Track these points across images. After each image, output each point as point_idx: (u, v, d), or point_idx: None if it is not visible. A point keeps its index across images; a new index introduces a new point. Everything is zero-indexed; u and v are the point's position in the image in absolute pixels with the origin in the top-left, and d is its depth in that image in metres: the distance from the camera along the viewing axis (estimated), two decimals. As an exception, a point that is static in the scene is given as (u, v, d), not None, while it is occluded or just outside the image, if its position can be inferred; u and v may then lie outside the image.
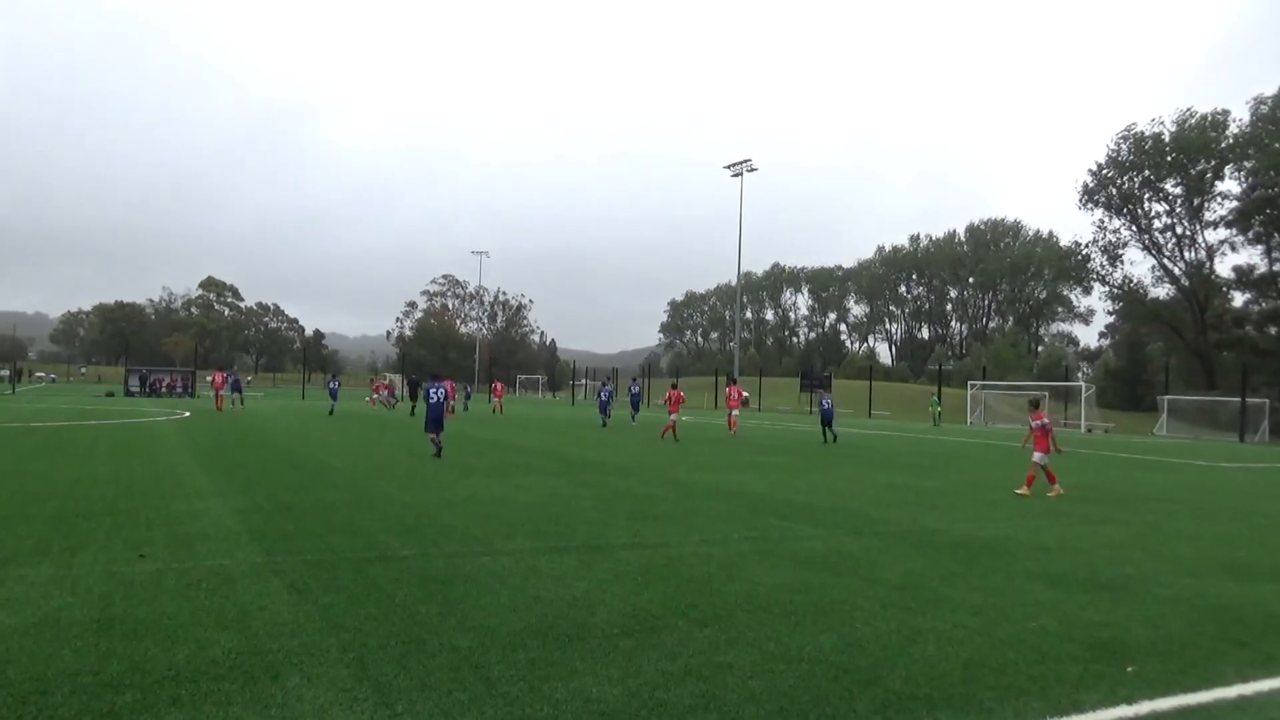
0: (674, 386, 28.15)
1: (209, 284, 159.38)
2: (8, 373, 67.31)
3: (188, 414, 34.40)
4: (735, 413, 31.30)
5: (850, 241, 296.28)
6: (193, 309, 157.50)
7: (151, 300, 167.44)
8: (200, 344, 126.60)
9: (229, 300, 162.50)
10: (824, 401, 29.47)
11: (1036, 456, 14.58)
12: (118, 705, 4.19)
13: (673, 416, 26.68)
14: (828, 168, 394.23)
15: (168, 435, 22.63)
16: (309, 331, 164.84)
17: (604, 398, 34.44)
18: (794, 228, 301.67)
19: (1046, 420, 14.89)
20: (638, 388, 39.72)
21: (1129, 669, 5.23)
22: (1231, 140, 72.27)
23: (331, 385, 41.83)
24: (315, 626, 5.58)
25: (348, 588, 6.63)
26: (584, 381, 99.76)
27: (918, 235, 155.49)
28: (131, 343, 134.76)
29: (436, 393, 18.68)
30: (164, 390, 57.68)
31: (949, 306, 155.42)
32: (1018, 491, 14.34)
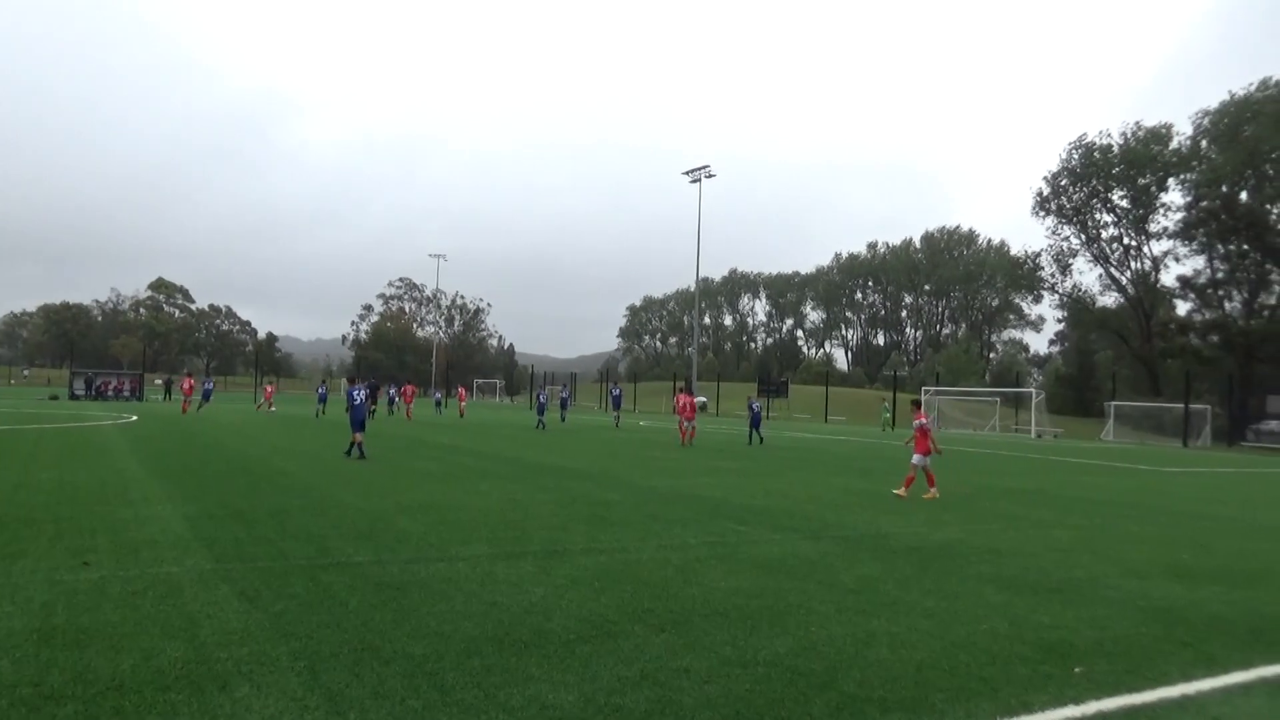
0: (681, 392, 29.95)
1: (158, 285, 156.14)
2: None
3: (135, 418, 33.66)
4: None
5: (808, 248, 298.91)
6: (141, 310, 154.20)
7: (98, 301, 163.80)
8: (149, 346, 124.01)
9: (179, 302, 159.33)
10: (753, 405, 31.00)
11: (915, 459, 14.77)
12: (59, 717, 4.08)
13: (689, 422, 27.88)
14: (786, 174, 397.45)
15: (114, 440, 22.11)
16: (262, 334, 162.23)
17: (543, 400, 37.53)
18: (752, 233, 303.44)
19: (925, 421, 15.14)
20: (619, 390, 42.78)
21: (1076, 670, 5.34)
22: (1175, 153, 74.21)
23: (320, 390, 43.30)
24: (265, 634, 5.48)
25: (299, 595, 6.53)
26: (545, 387, 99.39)
27: (875, 243, 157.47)
28: (77, 345, 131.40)
29: (359, 394, 19.36)
30: (111, 393, 56.36)
31: (904, 313, 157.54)
32: (895, 492, 14.61)
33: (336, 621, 5.82)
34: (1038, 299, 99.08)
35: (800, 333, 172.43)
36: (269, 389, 49.05)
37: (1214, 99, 69.93)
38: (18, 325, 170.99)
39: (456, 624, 5.86)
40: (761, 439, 29.45)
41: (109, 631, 5.45)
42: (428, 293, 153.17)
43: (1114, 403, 53.98)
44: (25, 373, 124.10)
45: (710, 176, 73.96)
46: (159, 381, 70.61)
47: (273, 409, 44.80)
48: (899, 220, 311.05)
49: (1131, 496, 16.78)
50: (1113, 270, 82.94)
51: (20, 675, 4.61)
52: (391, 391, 48.42)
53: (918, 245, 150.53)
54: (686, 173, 75.25)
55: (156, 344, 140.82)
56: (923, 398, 59.69)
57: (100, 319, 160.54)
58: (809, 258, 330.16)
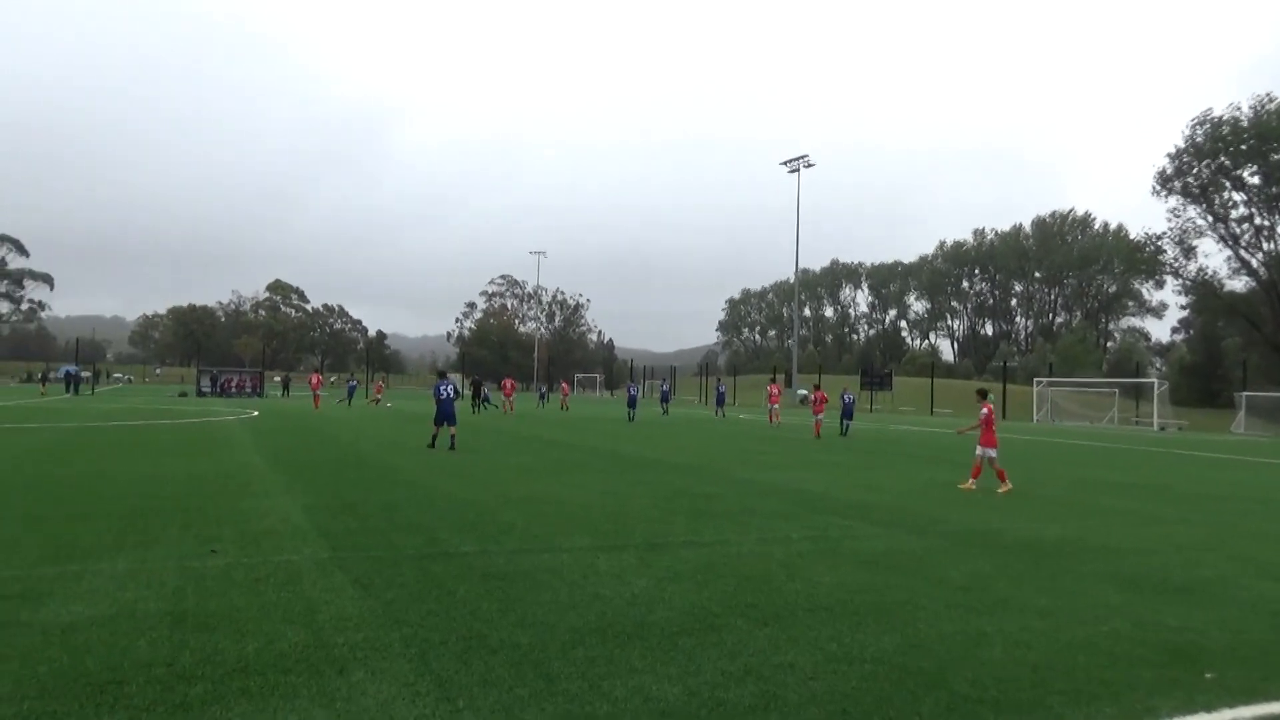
0: (817, 388, 31.29)
1: (275, 287, 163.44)
2: (89, 374, 69.83)
3: (256, 413, 35.32)
4: (776, 407, 37.01)
5: (911, 238, 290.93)
6: (260, 311, 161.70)
7: (221, 303, 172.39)
8: (268, 345, 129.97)
9: (295, 302, 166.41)
10: (845, 396, 31.39)
11: (991, 452, 14.27)
12: (190, 696, 4.31)
13: (818, 416, 29.51)
14: (888, 162, 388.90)
15: (237, 434, 23.25)
16: (371, 332, 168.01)
17: (632, 393, 39.85)
18: (853, 224, 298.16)
19: (990, 411, 14.63)
20: (724, 387, 44.45)
21: (1208, 675, 5.05)
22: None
23: (482, 389, 45.72)
24: (378, 621, 5.67)
25: (410, 584, 6.73)
26: (633, 381, 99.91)
27: (981, 229, 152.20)
28: (203, 344, 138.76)
29: (446, 389, 19.81)
30: (234, 390, 59.27)
31: (1014, 302, 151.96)
32: (999, 491, 13.86)
33: (445, 610, 5.98)
34: (1159, 284, 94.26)
35: (904, 323, 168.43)
36: (379, 385, 51.48)
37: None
38: (150, 327, 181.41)
39: (561, 614, 5.94)
40: (847, 430, 29.95)
41: (235, 616, 5.73)
42: (528, 289, 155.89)
43: (1245, 393, 50.80)
44: (158, 371, 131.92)
45: (809, 166, 73.02)
46: (278, 379, 73.91)
47: (389, 405, 46.75)
48: (1007, 207, 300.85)
49: (1264, 493, 15.78)
50: (1243, 252, 78.15)
51: (155, 655, 4.90)
52: (485, 388, 49.86)
53: (1028, 231, 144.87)
54: (784, 163, 74.51)
55: (275, 343, 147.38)
56: (1035, 389, 57.57)
57: (223, 319, 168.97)
58: (912, 247, 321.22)
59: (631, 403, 38.91)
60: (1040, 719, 4.32)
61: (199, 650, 5.00)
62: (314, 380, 45.37)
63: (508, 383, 45.20)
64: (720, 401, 44.43)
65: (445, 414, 19.45)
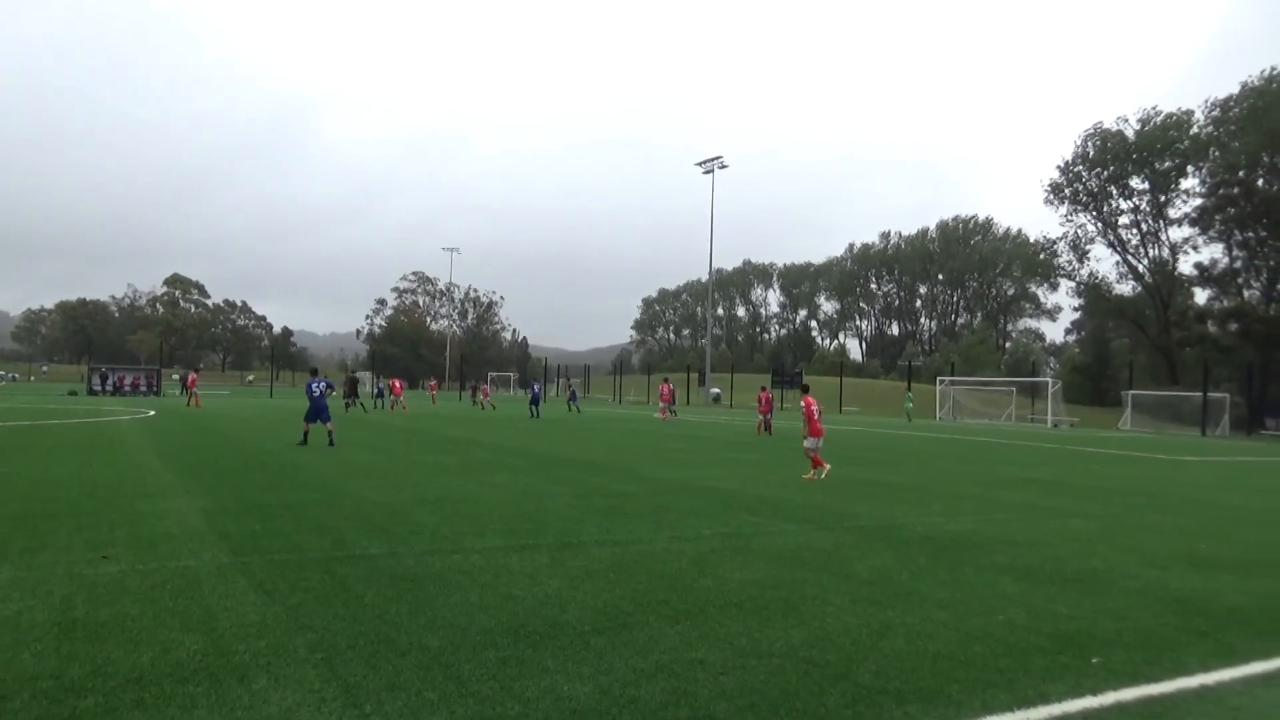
0: (764, 389, 32.44)
1: (174, 281, 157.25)
2: (-33, 371, 65.91)
3: (152, 413, 33.90)
4: (663, 405, 39.86)
5: (824, 243, 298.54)
6: (158, 306, 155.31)
7: (115, 298, 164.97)
8: (166, 342, 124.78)
9: (195, 298, 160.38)
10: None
11: (809, 442, 15.18)
12: (79, 709, 4.11)
13: (762, 415, 30.43)
14: (802, 169, 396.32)
15: (132, 434, 22.27)
16: (277, 329, 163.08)
17: (535, 390, 40.96)
18: (767, 228, 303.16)
19: (805, 406, 15.47)
20: (671, 385, 44.19)
21: (1094, 660, 5.30)
22: (1193, 139, 73.42)
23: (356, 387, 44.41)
24: (282, 627, 5.51)
25: (316, 587, 6.56)
26: (557, 379, 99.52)
27: (889, 233, 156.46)
28: (95, 341, 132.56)
29: (318, 386, 20.35)
30: (128, 389, 56.79)
31: (919, 303, 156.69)
32: (805, 477, 15.00)
33: (352, 614, 5.85)
34: (1054, 287, 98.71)
35: (814, 323, 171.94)
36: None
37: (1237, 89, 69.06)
38: (36, 322, 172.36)
39: (472, 616, 5.87)
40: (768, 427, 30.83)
41: (128, 624, 5.49)
42: (440, 286, 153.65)
43: (1131, 392, 53.52)
44: (44, 369, 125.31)
45: (723, 167, 73.82)
46: (175, 377, 71.12)
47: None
48: (917, 213, 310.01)
49: (1149, 486, 16.66)
50: (1130, 258, 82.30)
51: (41, 668, 4.66)
52: (380, 385, 48.24)
53: (933, 234, 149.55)
54: (700, 163, 75.14)
55: (174, 339, 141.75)
56: (938, 387, 59.48)
57: (117, 315, 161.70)
58: (823, 249, 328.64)
59: (535, 400, 39.46)
60: (939, 707, 4.47)
61: (89, 661, 4.78)
62: (190, 379, 43.08)
63: (396, 383, 44.05)
64: (671, 399, 44.34)
65: (318, 410, 19.76)
